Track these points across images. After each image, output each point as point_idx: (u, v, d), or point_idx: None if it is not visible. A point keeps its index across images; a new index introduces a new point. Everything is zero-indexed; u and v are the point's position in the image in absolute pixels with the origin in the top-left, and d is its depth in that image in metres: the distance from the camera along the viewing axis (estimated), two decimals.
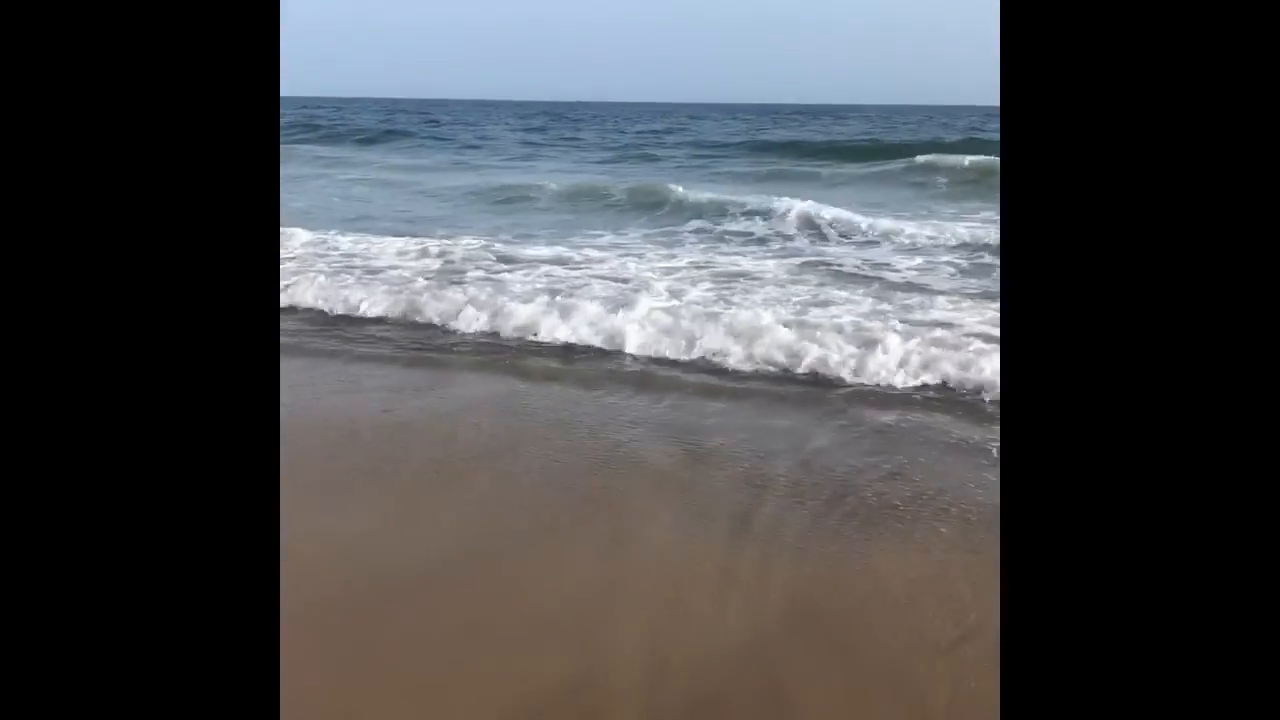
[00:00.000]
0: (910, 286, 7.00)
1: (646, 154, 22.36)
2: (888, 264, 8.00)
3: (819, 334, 5.14)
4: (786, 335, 5.07)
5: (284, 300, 6.26)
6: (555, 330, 5.39)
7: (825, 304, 6.21)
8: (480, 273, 7.31)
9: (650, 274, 7.26)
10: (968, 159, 15.59)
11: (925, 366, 4.62)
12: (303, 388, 4.65)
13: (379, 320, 5.96)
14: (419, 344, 5.49)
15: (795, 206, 10.75)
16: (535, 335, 5.40)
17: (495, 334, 5.48)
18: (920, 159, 16.63)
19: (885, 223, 10.00)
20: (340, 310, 6.10)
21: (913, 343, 4.92)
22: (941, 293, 6.71)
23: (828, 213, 10.49)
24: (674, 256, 8.26)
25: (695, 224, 10.55)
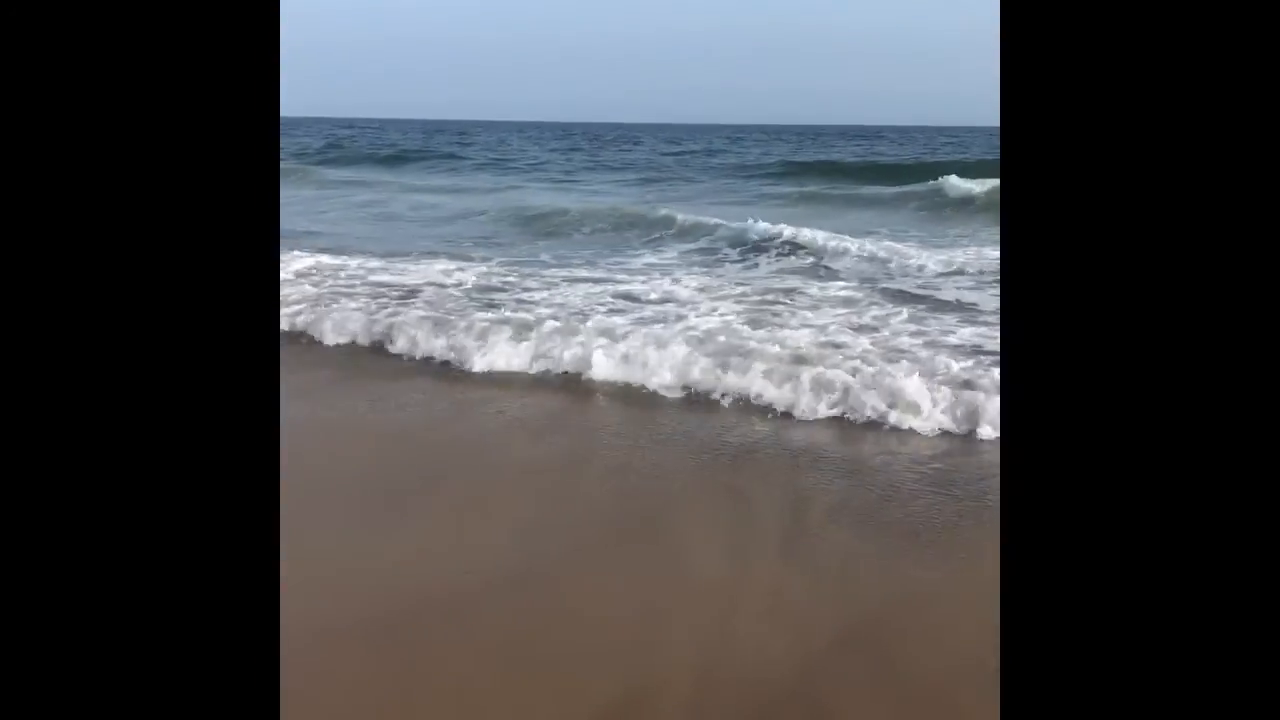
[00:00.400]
0: (956, 307, 6.92)
1: (683, 175, 22.41)
2: (931, 285, 7.91)
3: (861, 355, 5.08)
4: (829, 357, 5.01)
5: (312, 324, 6.22)
6: (593, 352, 5.34)
7: (864, 329, 6.15)
8: (515, 294, 7.31)
9: (688, 295, 7.24)
10: (987, 182, 15.39)
11: (970, 387, 4.53)
12: (344, 408, 4.69)
13: (414, 342, 5.94)
14: (456, 364, 5.48)
15: (827, 233, 10.67)
16: (572, 357, 5.36)
17: (530, 355, 5.45)
18: (952, 179, 16.48)
19: (914, 245, 9.89)
20: (376, 331, 6.08)
21: (958, 366, 4.85)
22: (982, 314, 6.62)
23: (853, 235, 10.40)
24: (710, 276, 8.24)
25: (726, 245, 10.50)
